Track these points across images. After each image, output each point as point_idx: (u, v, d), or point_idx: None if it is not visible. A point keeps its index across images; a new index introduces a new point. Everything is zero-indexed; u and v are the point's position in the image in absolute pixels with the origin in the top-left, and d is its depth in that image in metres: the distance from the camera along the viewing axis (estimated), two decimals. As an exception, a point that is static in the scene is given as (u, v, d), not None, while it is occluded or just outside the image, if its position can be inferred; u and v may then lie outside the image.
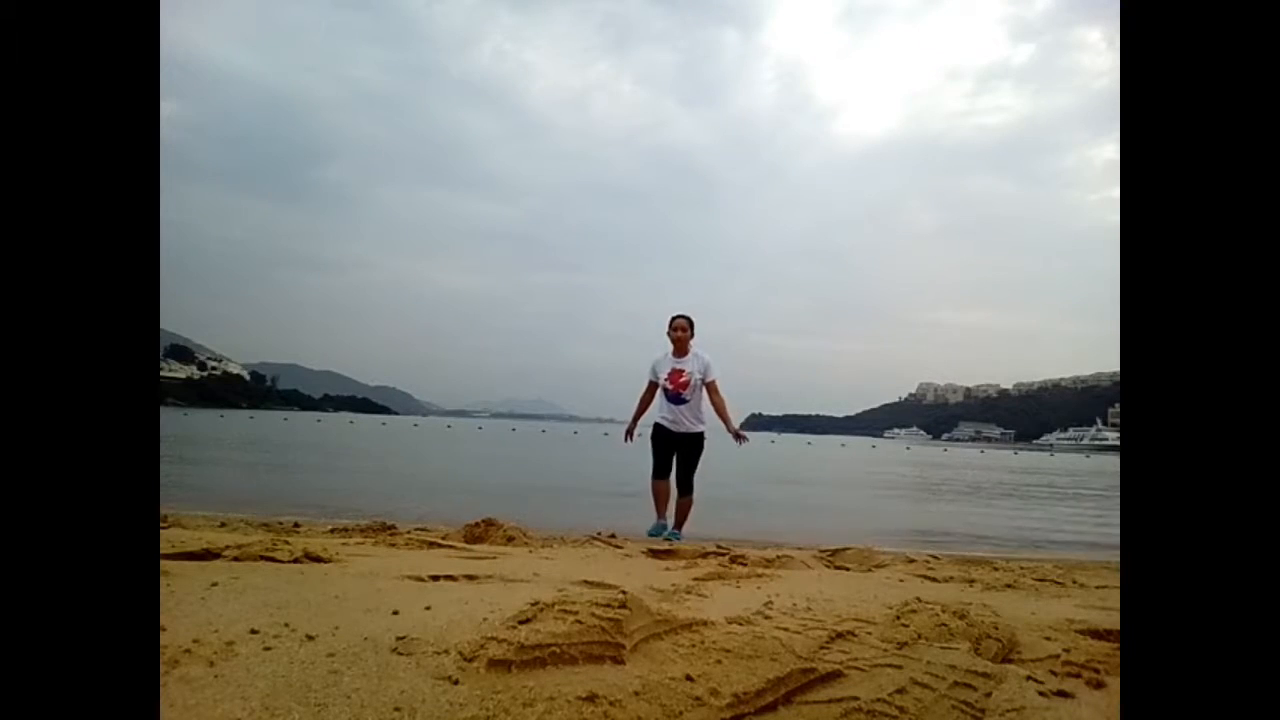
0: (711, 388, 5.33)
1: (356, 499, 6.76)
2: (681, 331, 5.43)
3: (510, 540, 2.99)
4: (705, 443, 5.49)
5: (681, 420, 5.33)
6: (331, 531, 3.28)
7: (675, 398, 5.31)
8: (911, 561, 2.99)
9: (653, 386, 5.48)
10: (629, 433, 5.59)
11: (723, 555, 2.61)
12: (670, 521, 5.20)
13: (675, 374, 5.33)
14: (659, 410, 5.44)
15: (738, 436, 5.34)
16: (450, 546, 2.57)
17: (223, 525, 3.32)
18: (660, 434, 5.38)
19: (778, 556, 2.69)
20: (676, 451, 5.31)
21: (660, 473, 5.31)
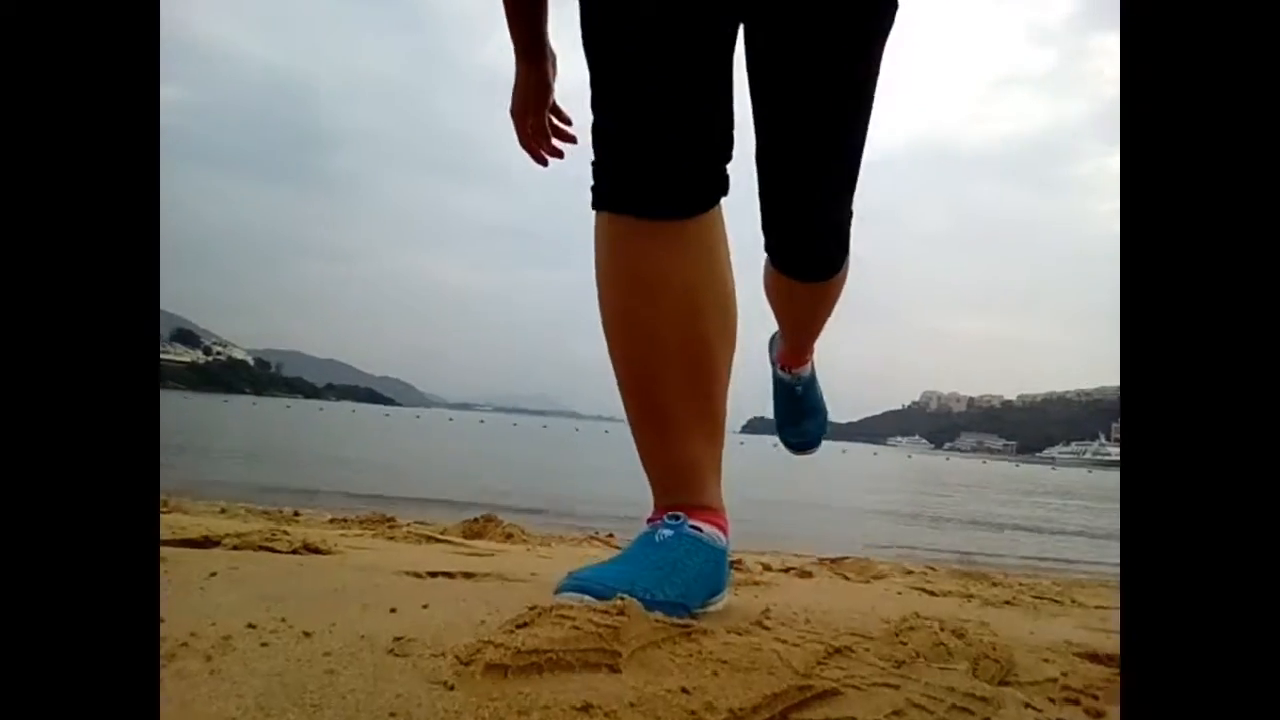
0: None
1: (356, 490, 6.77)
2: None
3: (509, 538, 2.99)
4: None
5: None
6: (330, 522, 3.29)
7: None
8: (909, 573, 2.98)
9: None
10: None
11: (720, 561, 2.61)
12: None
13: None
14: None
15: None
16: (448, 542, 2.57)
17: (223, 511, 3.32)
18: None
19: (775, 564, 2.69)
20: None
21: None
